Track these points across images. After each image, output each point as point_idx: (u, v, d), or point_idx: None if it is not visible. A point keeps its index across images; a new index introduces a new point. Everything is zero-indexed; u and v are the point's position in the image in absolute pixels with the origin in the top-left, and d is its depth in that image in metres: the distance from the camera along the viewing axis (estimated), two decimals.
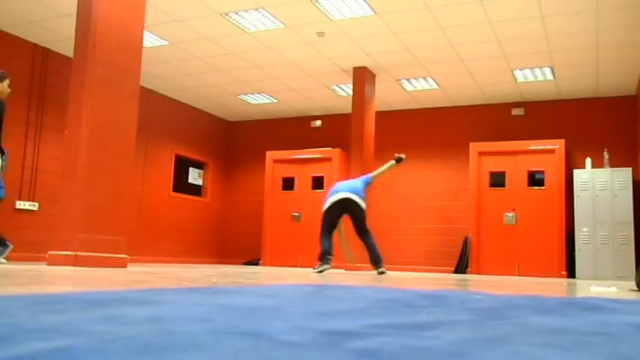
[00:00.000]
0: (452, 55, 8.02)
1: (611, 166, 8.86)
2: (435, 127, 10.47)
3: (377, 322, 0.94)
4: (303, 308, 1.17)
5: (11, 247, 6.07)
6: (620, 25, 6.82)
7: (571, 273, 8.82)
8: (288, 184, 11.09)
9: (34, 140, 8.07)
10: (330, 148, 10.79)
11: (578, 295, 3.05)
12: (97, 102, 4.89)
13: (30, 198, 7.93)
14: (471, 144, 9.86)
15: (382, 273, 6.53)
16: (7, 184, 7.66)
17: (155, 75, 9.33)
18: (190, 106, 11.17)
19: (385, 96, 9.85)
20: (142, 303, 1.19)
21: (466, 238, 9.71)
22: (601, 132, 9.32)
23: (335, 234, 6.87)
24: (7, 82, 5.67)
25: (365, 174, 7.34)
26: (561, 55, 7.83)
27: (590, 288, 3.96)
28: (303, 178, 10.97)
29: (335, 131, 11.03)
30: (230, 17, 7.14)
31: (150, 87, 9.91)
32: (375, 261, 6.68)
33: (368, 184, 6.96)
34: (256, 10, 6.90)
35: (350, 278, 4.63)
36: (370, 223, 8.16)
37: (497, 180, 9.77)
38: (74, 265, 4.50)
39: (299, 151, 11.02)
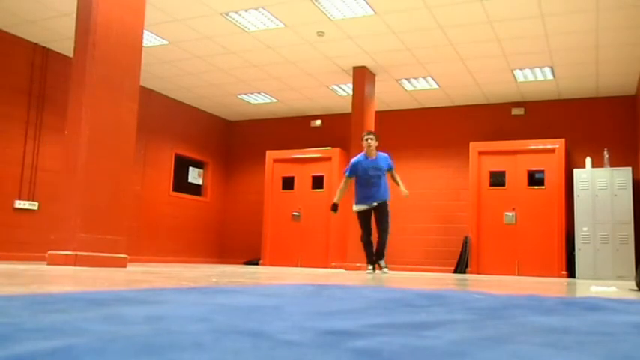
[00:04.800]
0: (452, 54, 8.02)
1: (611, 166, 8.87)
2: (435, 126, 10.47)
3: (377, 322, 0.94)
4: (303, 308, 1.17)
5: None
6: (620, 25, 6.82)
7: (571, 273, 8.82)
8: (288, 183, 11.09)
9: (34, 140, 8.07)
10: (330, 148, 10.79)
11: (578, 294, 3.05)
12: (97, 102, 4.89)
13: (30, 197, 7.93)
14: (471, 144, 9.86)
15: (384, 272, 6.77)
16: (6, 184, 7.67)
17: (155, 74, 9.33)
18: (190, 106, 11.17)
19: (385, 96, 9.85)
20: (142, 302, 1.19)
21: (466, 238, 9.71)
22: (601, 132, 9.33)
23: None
24: None
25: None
26: (561, 54, 7.83)
27: (590, 288, 3.96)
28: (303, 177, 10.97)
29: (335, 131, 11.03)
30: (230, 17, 7.14)
31: (150, 86, 9.92)
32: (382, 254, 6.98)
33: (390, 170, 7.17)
34: (256, 9, 6.90)
35: (350, 278, 4.63)
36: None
37: (497, 179, 9.77)
38: (74, 265, 4.50)
39: (299, 150, 11.02)
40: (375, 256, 6.91)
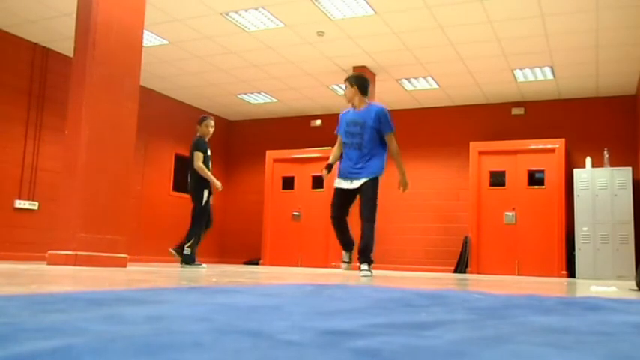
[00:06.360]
0: (452, 54, 8.02)
1: (611, 166, 8.87)
2: (435, 126, 10.47)
3: (377, 322, 0.94)
4: (303, 307, 1.17)
5: None
6: (620, 25, 6.82)
7: (571, 272, 8.82)
8: (288, 183, 11.09)
9: (34, 140, 8.07)
10: (330, 148, 10.76)
11: (578, 294, 3.05)
12: (97, 101, 4.89)
13: (30, 197, 7.93)
14: (471, 143, 9.86)
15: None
16: (6, 183, 7.68)
17: (155, 74, 9.34)
18: (190, 106, 11.17)
19: (385, 95, 9.85)
20: (142, 302, 1.19)
21: (466, 238, 9.71)
22: (601, 131, 9.33)
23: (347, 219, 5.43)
24: (206, 122, 6.96)
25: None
26: (561, 54, 7.83)
27: (590, 287, 3.96)
28: (303, 177, 10.97)
29: (335, 131, 11.02)
30: (230, 17, 7.14)
31: (150, 86, 9.92)
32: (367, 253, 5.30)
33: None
34: (256, 9, 6.90)
35: (350, 278, 4.62)
36: None
37: (497, 179, 9.77)
38: (74, 265, 4.50)
39: (299, 150, 11.02)
40: (359, 257, 5.25)
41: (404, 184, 5.37)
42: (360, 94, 5.40)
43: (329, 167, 5.60)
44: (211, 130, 7.02)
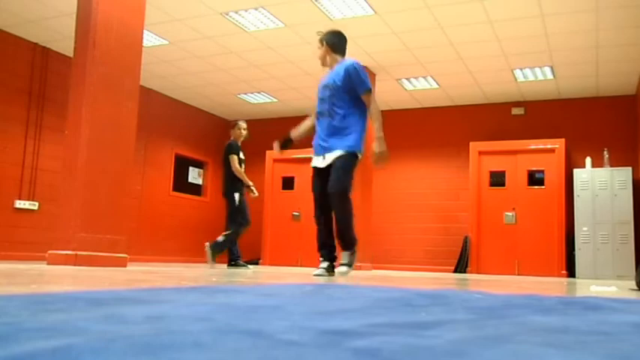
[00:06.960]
0: (452, 54, 8.02)
1: (611, 166, 8.87)
2: (435, 126, 10.47)
3: (377, 322, 0.94)
4: (303, 307, 1.17)
5: None
6: (621, 25, 6.82)
7: (571, 272, 8.82)
8: (288, 183, 11.10)
9: (34, 140, 8.07)
10: None
11: (578, 294, 3.05)
12: (97, 101, 4.89)
13: (30, 197, 7.93)
14: (471, 143, 9.86)
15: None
16: (6, 183, 7.67)
17: (155, 74, 9.33)
18: (190, 106, 11.17)
19: (385, 95, 9.85)
20: (142, 302, 1.19)
21: (466, 238, 9.71)
22: (601, 131, 9.33)
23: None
24: (238, 126, 7.28)
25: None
26: (561, 54, 7.83)
27: (590, 287, 3.96)
28: (303, 177, 10.96)
29: None
30: (230, 16, 7.14)
31: (150, 86, 9.92)
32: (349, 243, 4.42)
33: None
34: (256, 9, 6.90)
35: (350, 278, 4.62)
36: (370, 222, 8.09)
37: (497, 179, 9.77)
38: (74, 265, 4.50)
39: (299, 150, 10.99)
40: (340, 244, 4.44)
41: (378, 155, 4.15)
42: (331, 52, 4.51)
43: (285, 141, 4.68)
44: (244, 133, 7.31)
